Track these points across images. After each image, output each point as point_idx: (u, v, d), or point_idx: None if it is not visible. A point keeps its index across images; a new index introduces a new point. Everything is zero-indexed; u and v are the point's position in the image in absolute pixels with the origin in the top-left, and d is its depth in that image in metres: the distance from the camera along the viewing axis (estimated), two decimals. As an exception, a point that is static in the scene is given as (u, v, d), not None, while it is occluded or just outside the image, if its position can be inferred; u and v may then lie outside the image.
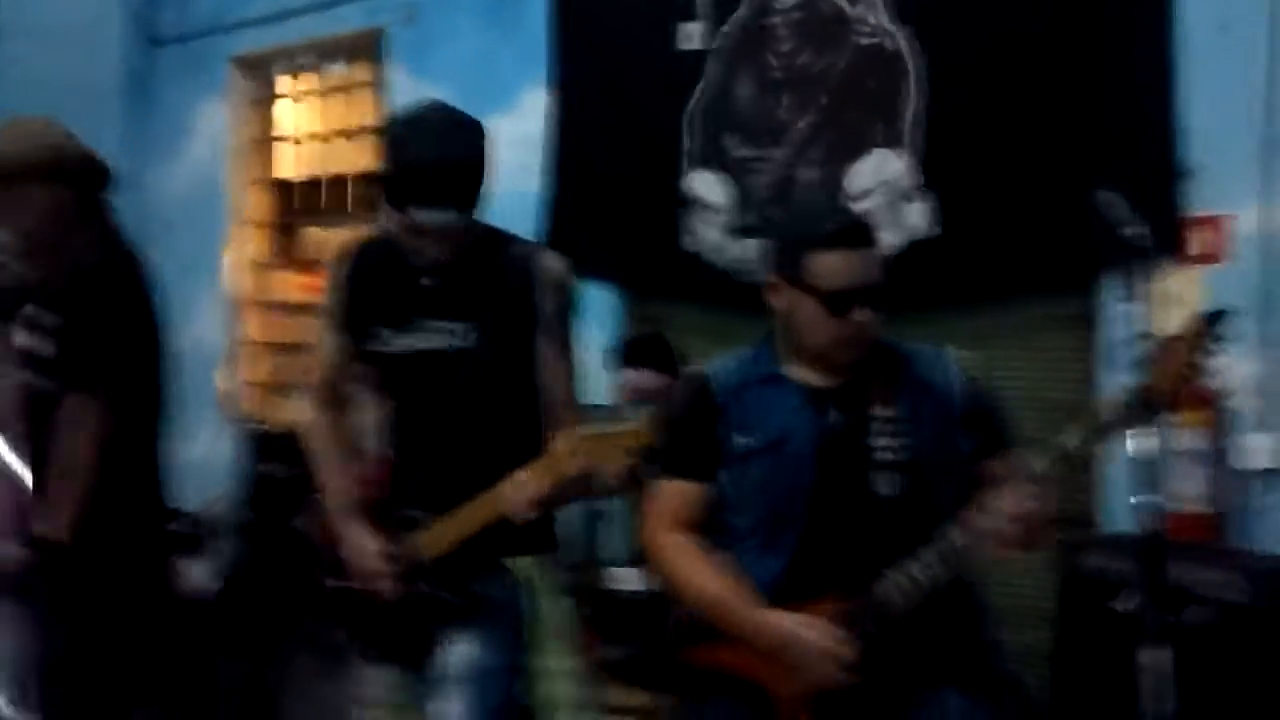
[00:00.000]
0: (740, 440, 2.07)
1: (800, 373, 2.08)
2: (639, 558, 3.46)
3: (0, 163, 2.57)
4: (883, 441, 1.98)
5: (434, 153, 2.10)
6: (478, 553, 2.21)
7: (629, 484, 3.40)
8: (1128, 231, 1.77)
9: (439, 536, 2.21)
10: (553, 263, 2.29)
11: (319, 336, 2.44)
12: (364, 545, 2.26)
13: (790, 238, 2.09)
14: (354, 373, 2.41)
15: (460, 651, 2.24)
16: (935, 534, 1.89)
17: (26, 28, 5.48)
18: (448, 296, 2.24)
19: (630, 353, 3.50)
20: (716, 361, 2.20)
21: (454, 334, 2.24)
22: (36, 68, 5.38)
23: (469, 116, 2.23)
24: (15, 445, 2.67)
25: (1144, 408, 1.76)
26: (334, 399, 2.43)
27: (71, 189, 2.66)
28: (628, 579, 3.25)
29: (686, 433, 2.16)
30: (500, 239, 2.31)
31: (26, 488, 2.58)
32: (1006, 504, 1.83)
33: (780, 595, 2.00)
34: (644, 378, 3.39)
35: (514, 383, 2.24)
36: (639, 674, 3.01)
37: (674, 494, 2.15)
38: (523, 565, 2.30)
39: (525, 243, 2.35)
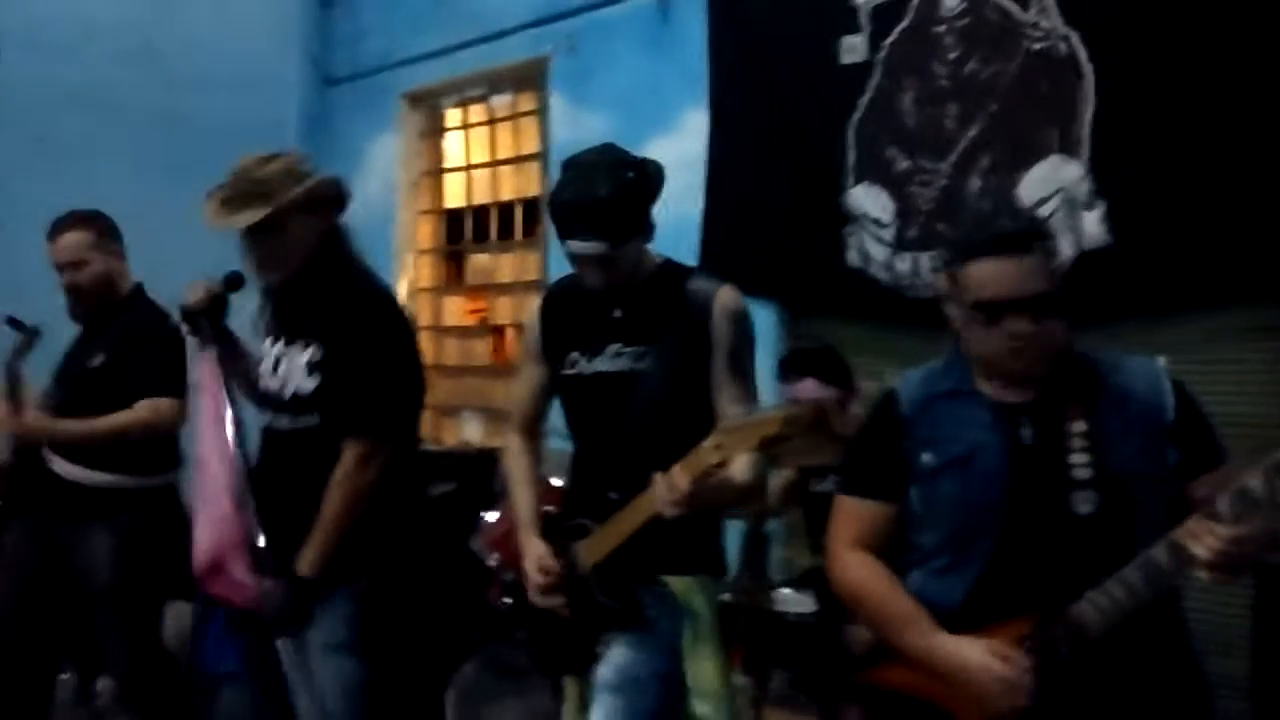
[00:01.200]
0: (925, 457, 2.00)
1: (990, 386, 1.99)
2: (805, 579, 3.42)
3: (270, 201, 2.52)
4: (1079, 458, 1.88)
5: (577, 190, 2.27)
6: (639, 564, 2.28)
7: (786, 499, 3.37)
8: None
9: (602, 542, 2.30)
10: (731, 296, 2.36)
11: (521, 368, 2.63)
12: (539, 558, 2.39)
13: (952, 247, 2.04)
14: (549, 400, 2.58)
15: (616, 660, 2.31)
16: (1138, 554, 1.78)
17: (211, 75, 5.83)
18: (629, 324, 2.38)
19: (797, 363, 3.47)
20: (906, 376, 2.13)
21: (631, 358, 2.36)
22: (222, 113, 5.70)
23: (629, 157, 2.36)
24: (256, 478, 2.60)
25: None
26: (531, 425, 2.62)
27: (326, 220, 2.65)
28: (794, 601, 3.21)
29: (871, 450, 2.11)
30: (682, 272, 2.44)
31: (251, 523, 2.55)
32: (1217, 526, 1.68)
33: (966, 616, 1.93)
34: (809, 388, 3.36)
35: (685, 405, 2.30)
36: (808, 695, 2.97)
37: (857, 512, 2.09)
38: (681, 584, 2.34)
39: (707, 277, 2.43)
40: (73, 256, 3.32)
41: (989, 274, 1.89)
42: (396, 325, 2.67)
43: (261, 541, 2.52)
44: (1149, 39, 3.31)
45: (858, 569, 2.05)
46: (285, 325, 2.68)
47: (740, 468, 2.24)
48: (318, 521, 2.51)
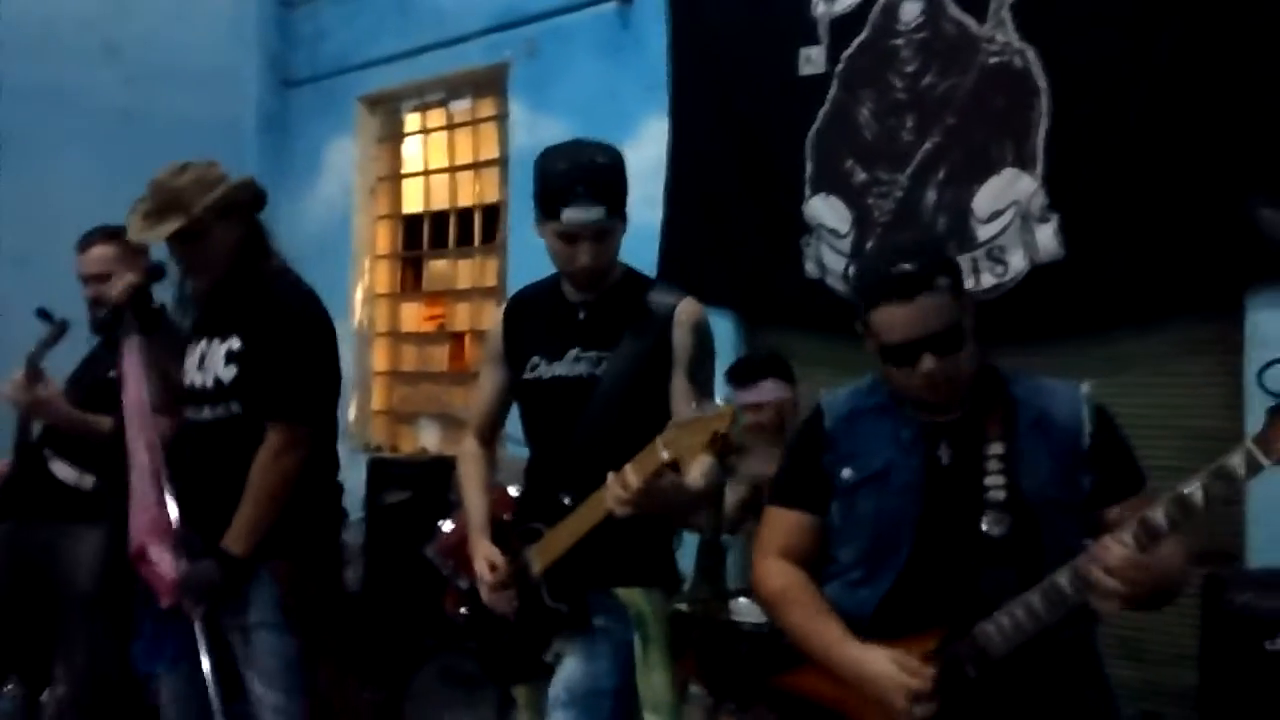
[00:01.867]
0: (845, 472, 2.04)
1: (913, 406, 2.02)
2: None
3: (187, 210, 2.61)
4: (994, 480, 1.91)
5: (572, 159, 2.31)
6: (590, 572, 2.29)
7: (743, 513, 3.37)
8: None
9: (553, 544, 2.29)
10: (693, 307, 2.38)
11: (482, 373, 2.64)
12: (487, 557, 2.39)
13: (857, 293, 2.05)
14: (508, 406, 2.59)
15: (568, 676, 2.31)
16: (1044, 577, 1.81)
17: (170, 73, 5.77)
18: (591, 328, 2.38)
19: (753, 367, 3.49)
20: (834, 391, 2.17)
21: (590, 363, 2.37)
22: (179, 110, 5.66)
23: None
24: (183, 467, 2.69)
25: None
26: (489, 431, 2.63)
27: (245, 222, 2.75)
28: (750, 610, 3.21)
29: (797, 462, 2.15)
30: (645, 281, 2.47)
31: (171, 509, 2.63)
32: (1112, 557, 1.70)
33: (876, 628, 1.95)
34: (769, 387, 3.40)
35: (641, 411, 2.30)
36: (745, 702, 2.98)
37: (783, 521, 2.13)
38: (632, 596, 2.34)
39: (668, 286, 2.46)
40: (99, 269, 3.36)
41: (892, 319, 1.91)
42: (315, 317, 2.76)
43: (177, 525, 2.59)
44: (1103, 54, 3.35)
45: (777, 577, 2.08)
46: (210, 323, 2.75)
47: (695, 474, 2.24)
48: (244, 502, 2.58)
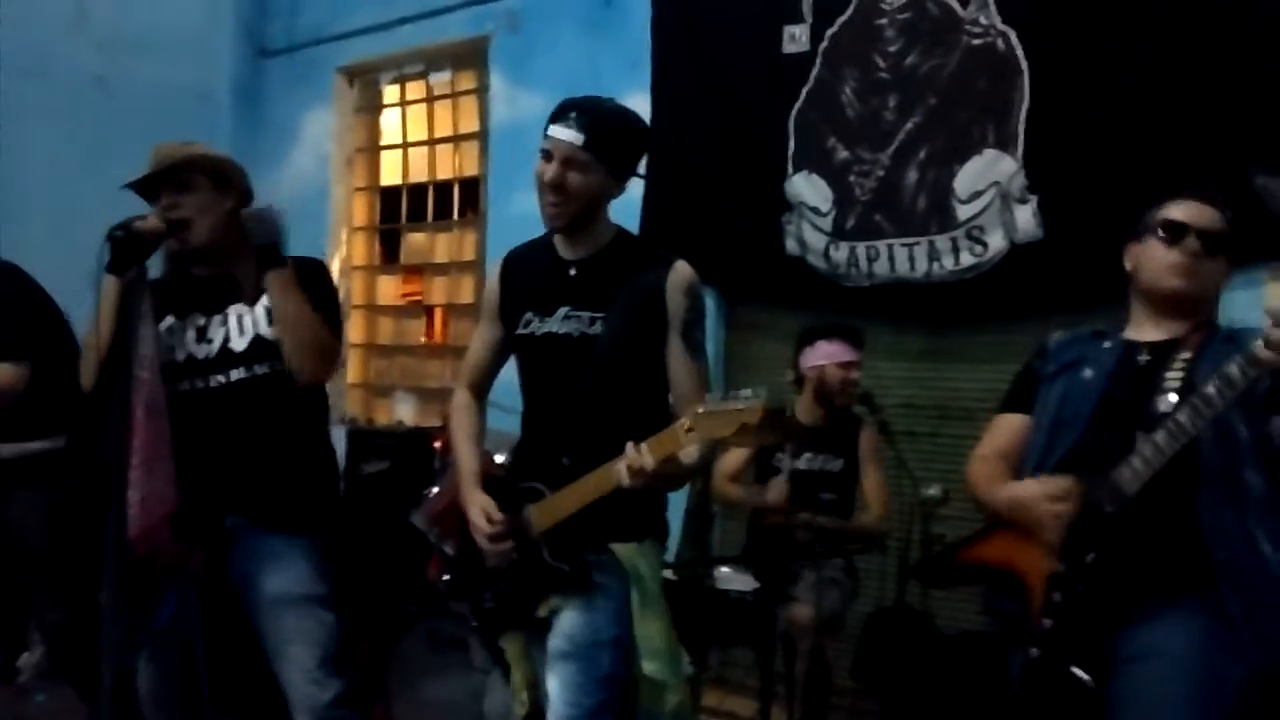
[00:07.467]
0: (1049, 367, 2.37)
1: (1134, 330, 2.31)
2: (745, 557, 3.48)
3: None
4: (1174, 374, 2.17)
5: (589, 97, 2.36)
6: (588, 531, 2.32)
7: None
8: None
9: (555, 508, 2.32)
10: (686, 270, 2.40)
11: (478, 328, 2.65)
12: (484, 507, 2.41)
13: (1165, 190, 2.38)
14: (501, 362, 2.60)
15: (566, 629, 2.34)
16: (1199, 453, 2.06)
17: (144, 41, 5.71)
18: (582, 287, 2.39)
19: (822, 329, 3.55)
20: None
21: (583, 322, 2.37)
22: (153, 79, 5.62)
23: None
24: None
25: None
26: (480, 385, 2.64)
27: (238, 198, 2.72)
28: (734, 579, 3.26)
29: (1017, 379, 2.46)
30: (641, 246, 2.48)
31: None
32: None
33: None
34: (837, 350, 3.49)
35: (638, 373, 2.33)
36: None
37: (997, 426, 2.46)
38: (626, 549, 2.38)
39: (663, 252, 2.46)
40: None
41: (1184, 207, 2.27)
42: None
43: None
44: (1084, 38, 3.42)
45: (981, 462, 2.43)
46: (218, 295, 2.67)
47: (690, 452, 2.27)
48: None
